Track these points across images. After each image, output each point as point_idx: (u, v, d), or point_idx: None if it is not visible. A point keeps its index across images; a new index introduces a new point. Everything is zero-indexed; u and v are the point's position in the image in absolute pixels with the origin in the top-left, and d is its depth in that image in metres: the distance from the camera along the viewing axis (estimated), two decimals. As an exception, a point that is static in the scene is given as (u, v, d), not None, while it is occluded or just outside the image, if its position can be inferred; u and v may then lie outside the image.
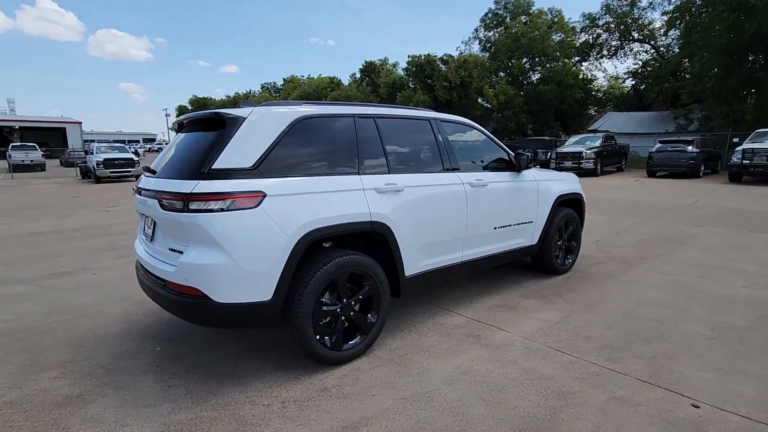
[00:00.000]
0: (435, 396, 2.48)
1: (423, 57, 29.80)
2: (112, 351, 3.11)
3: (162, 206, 2.47)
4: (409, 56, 31.56)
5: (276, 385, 2.61)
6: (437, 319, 3.56)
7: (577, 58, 33.29)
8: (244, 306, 2.41)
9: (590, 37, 31.76)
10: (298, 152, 2.74)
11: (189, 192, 2.35)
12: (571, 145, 19.28)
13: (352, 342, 2.88)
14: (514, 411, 2.34)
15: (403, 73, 35.18)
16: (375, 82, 41.13)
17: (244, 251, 2.38)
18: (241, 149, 2.50)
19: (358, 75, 45.41)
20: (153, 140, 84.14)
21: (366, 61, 43.36)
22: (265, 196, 2.45)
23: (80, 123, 47.61)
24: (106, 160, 20.72)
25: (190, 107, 77.87)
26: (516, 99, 30.06)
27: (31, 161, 28.09)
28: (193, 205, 2.34)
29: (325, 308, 2.71)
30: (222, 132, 2.53)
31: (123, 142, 65.53)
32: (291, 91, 54.22)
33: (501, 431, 2.18)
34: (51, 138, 44.86)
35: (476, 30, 36.09)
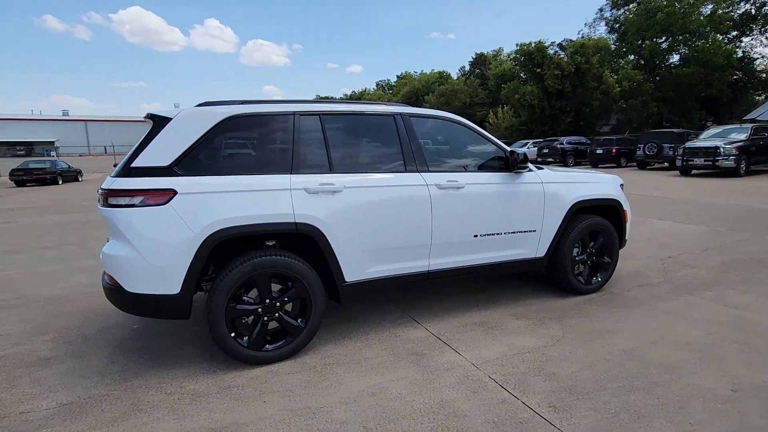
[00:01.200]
0: (321, 413, 2.31)
1: (533, 45, 27.68)
2: (102, 324, 3.57)
3: (98, 200, 2.74)
4: (517, 44, 29.62)
5: (190, 376, 2.71)
6: (396, 330, 3.31)
7: (734, 33, 27.52)
8: (152, 297, 2.55)
9: (753, 6, 25.92)
10: (223, 151, 2.78)
11: (108, 188, 2.56)
12: (706, 138, 15.98)
13: (276, 344, 2.84)
14: (388, 447, 2.06)
15: (512, 63, 33.17)
16: (484, 74, 39.56)
17: (151, 246, 2.51)
18: (161, 148, 2.63)
19: (467, 68, 44.18)
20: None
21: (476, 53, 42.02)
22: (175, 193, 2.55)
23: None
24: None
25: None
26: (645, 85, 26.10)
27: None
28: (110, 200, 2.54)
29: (240, 307, 2.71)
30: (150, 132, 2.70)
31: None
32: (401, 87, 55.19)
33: (356, 467, 1.94)
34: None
35: (601, 9, 32.21)
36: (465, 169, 3.54)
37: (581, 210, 3.87)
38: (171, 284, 2.55)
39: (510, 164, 3.48)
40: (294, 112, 2.97)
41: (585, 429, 2.14)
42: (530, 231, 3.64)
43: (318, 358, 2.91)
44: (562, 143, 21.60)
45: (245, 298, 2.76)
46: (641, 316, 3.48)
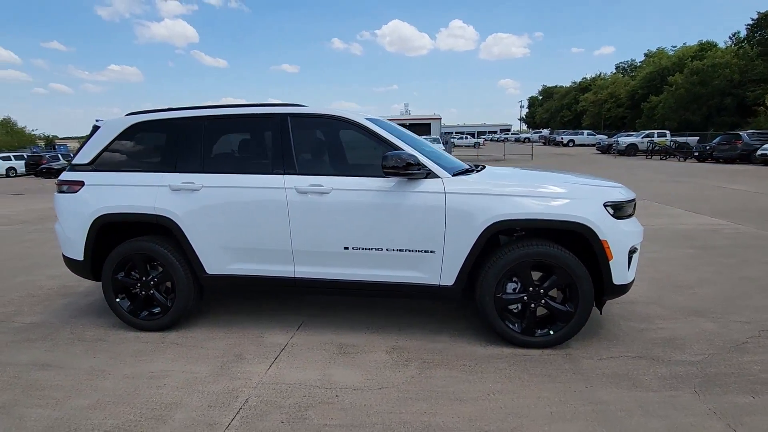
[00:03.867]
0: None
1: None
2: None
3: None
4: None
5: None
6: (266, 331, 3.32)
7: None
8: (71, 260, 3.45)
9: None
10: (125, 152, 3.42)
11: (57, 179, 3.56)
12: None
13: (146, 313, 3.35)
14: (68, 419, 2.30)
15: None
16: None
17: (66, 221, 3.40)
18: (88, 150, 3.46)
19: (743, 33, 33.04)
20: (508, 131, 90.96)
21: (760, 13, 30.80)
22: (83, 185, 3.35)
23: (440, 118, 58.61)
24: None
25: (540, 97, 79.74)
26: None
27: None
28: (58, 188, 3.53)
29: (121, 279, 3.34)
30: (87, 137, 3.57)
31: (480, 133, 75.37)
32: (645, 67, 45.75)
33: (48, 424, 2.28)
34: (421, 131, 57.72)
35: None
36: (346, 172, 3.15)
37: (533, 234, 2.90)
38: (78, 252, 3.38)
39: (383, 170, 2.89)
40: (182, 117, 3.36)
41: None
42: (426, 251, 2.96)
43: (175, 335, 3.28)
44: None
45: (133, 273, 3.36)
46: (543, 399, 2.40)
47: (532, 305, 2.91)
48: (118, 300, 3.36)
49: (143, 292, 3.34)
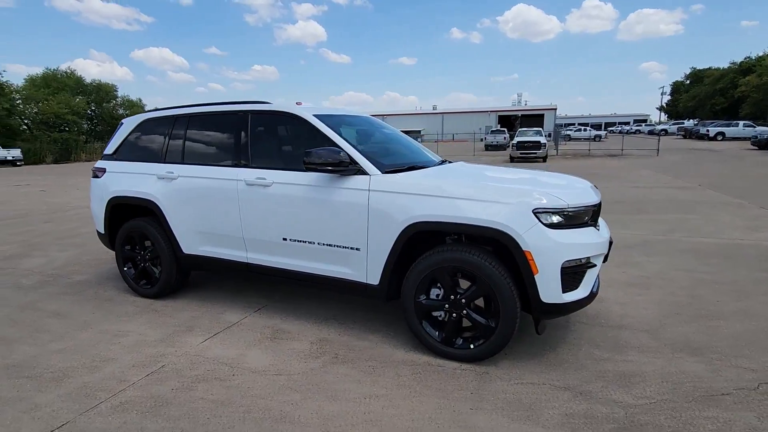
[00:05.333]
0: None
1: None
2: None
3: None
4: None
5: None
6: (227, 310, 3.64)
7: None
8: (99, 233, 4.21)
9: None
10: (136, 145, 4.02)
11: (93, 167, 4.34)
12: None
13: (144, 282, 3.93)
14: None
15: None
16: None
17: (94, 201, 4.14)
18: (113, 142, 4.17)
19: None
20: (643, 122, 79.60)
21: None
22: (105, 171, 4.05)
23: (554, 109, 54.07)
24: (518, 142, 23.99)
25: (686, 82, 68.26)
26: None
27: (497, 142, 36.06)
28: (92, 174, 4.30)
29: (127, 251, 3.96)
30: (114, 130, 4.27)
31: (608, 125, 67.51)
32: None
33: (25, 359, 2.90)
34: (533, 123, 53.95)
35: None
36: (290, 167, 3.24)
37: (447, 238, 2.75)
38: (101, 226, 4.12)
39: (304, 165, 2.91)
40: (176, 115, 3.83)
41: None
42: (352, 248, 2.95)
43: (118, 294, 3.80)
44: None
45: (126, 249, 3.97)
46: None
47: (454, 315, 2.71)
48: (125, 269, 4.02)
49: (141, 264, 3.93)
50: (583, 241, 2.56)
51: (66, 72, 45.01)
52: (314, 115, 3.21)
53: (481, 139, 40.57)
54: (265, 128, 3.44)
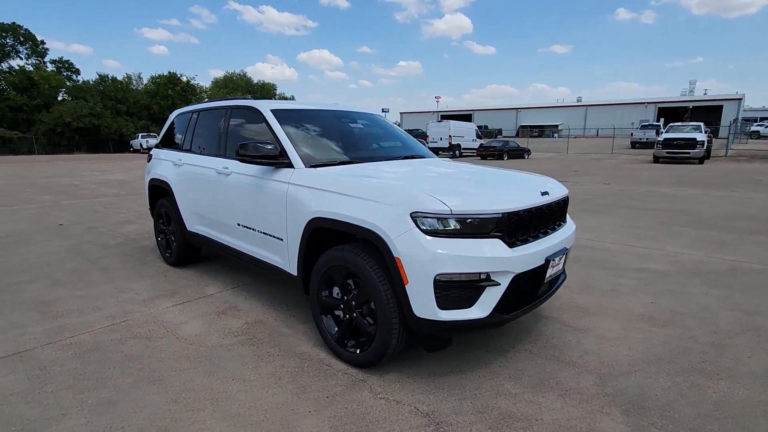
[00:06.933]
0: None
1: None
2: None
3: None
4: None
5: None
6: (221, 279, 4.09)
7: None
8: (150, 209, 5.12)
9: None
10: (170, 136, 4.74)
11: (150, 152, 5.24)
12: None
13: (168, 252, 4.66)
14: (65, 303, 3.68)
15: None
16: None
17: (145, 181, 5.04)
18: (162, 133, 4.99)
19: None
20: None
21: None
22: (152, 157, 4.90)
23: (740, 99, 43.42)
24: (666, 140, 20.29)
25: None
26: None
27: (646, 139, 31.02)
28: (147, 158, 5.21)
29: (158, 224, 4.75)
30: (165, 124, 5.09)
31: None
32: None
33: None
34: (709, 115, 44.52)
35: None
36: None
37: (341, 236, 2.67)
38: (148, 204, 5.00)
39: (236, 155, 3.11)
40: (189, 110, 4.42)
41: (36, 356, 2.80)
42: (278, 238, 3.07)
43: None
44: None
45: (159, 222, 4.73)
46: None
47: (347, 316, 2.63)
48: (158, 239, 4.83)
49: (165, 237, 4.67)
50: (474, 254, 2.21)
51: (239, 74, 53.60)
52: (271, 110, 3.38)
53: (631, 135, 35.48)
54: (238, 122, 3.74)
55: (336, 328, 2.73)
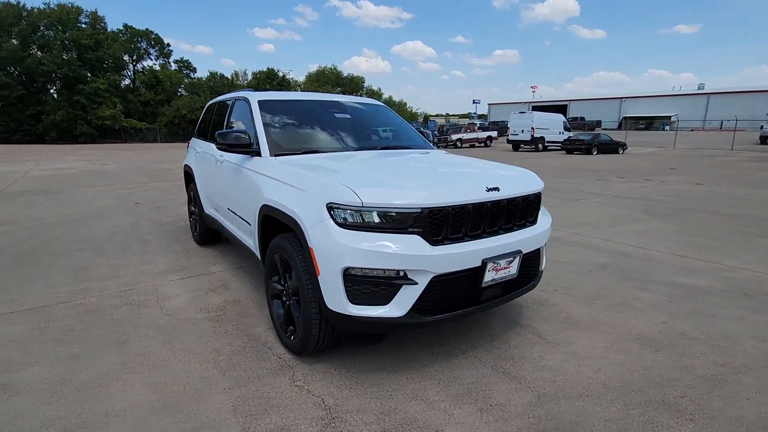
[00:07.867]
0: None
1: None
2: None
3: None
4: None
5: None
6: (228, 260, 4.41)
7: None
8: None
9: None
10: (201, 125, 5.16)
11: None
12: None
13: (196, 232, 5.13)
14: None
15: None
16: None
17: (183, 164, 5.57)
18: (198, 122, 5.46)
19: None
20: None
21: None
22: (189, 145, 5.40)
23: None
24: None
25: None
26: None
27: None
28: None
29: (189, 206, 5.23)
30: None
31: None
32: None
33: (92, 266, 4.40)
34: None
35: None
36: None
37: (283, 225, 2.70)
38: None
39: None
40: (215, 102, 4.75)
41: (49, 311, 3.30)
42: (248, 223, 3.21)
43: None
44: None
45: (190, 205, 5.20)
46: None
47: (287, 302, 2.68)
48: (191, 219, 5.33)
49: (194, 218, 5.14)
50: (387, 250, 2.10)
51: (331, 68, 55.95)
52: (258, 101, 3.52)
53: (761, 128, 30.25)
54: (237, 112, 3.95)
55: (281, 313, 2.80)
